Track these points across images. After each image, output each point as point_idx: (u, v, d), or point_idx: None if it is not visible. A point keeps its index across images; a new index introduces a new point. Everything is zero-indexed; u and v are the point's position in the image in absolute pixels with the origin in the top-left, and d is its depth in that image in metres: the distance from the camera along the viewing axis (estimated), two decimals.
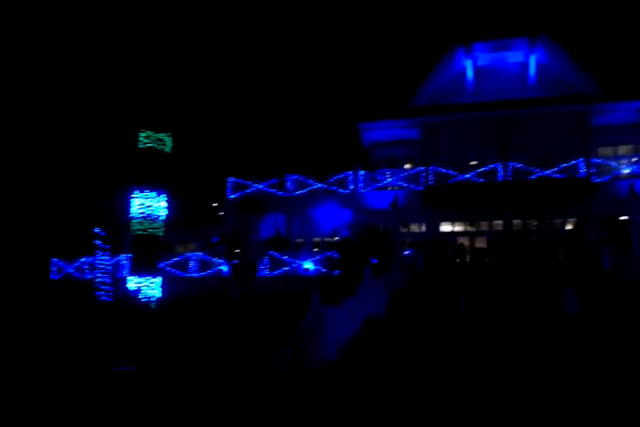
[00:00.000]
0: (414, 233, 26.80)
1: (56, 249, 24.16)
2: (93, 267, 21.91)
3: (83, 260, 24.12)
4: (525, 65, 26.45)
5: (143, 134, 20.32)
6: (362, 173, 27.00)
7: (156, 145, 20.44)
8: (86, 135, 27.37)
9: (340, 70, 28.74)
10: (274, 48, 28.32)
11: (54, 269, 24.50)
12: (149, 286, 20.20)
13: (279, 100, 28.21)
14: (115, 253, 22.29)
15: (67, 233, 24.86)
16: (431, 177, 25.68)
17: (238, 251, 24.50)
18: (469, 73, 26.90)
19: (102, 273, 20.08)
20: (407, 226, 26.91)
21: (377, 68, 29.12)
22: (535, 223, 25.47)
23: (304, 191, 26.49)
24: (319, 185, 26.69)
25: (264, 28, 27.90)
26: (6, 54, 26.36)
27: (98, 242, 21.08)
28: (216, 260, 24.02)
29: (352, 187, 27.13)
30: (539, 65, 26.25)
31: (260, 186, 26.95)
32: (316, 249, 26.88)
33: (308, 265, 25.20)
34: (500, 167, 24.95)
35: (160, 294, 20.78)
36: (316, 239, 27.48)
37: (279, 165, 27.45)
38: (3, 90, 26.36)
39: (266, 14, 28.11)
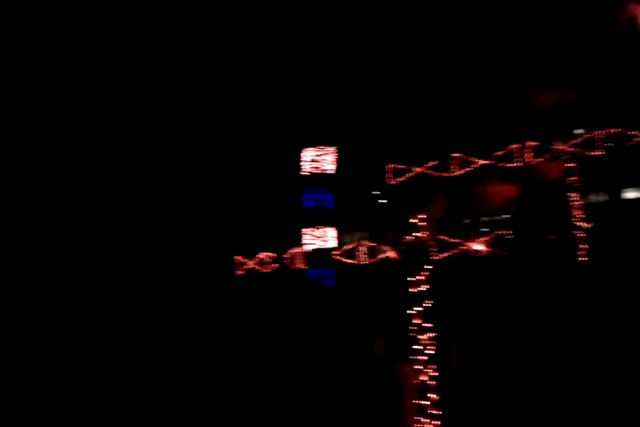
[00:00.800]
0: (592, 203, 24.60)
1: (238, 247, 26.11)
2: (272, 261, 23.42)
3: (262, 255, 25.84)
4: None
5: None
6: (529, 144, 25.43)
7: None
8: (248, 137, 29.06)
9: (502, 37, 26.94)
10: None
11: (238, 265, 26.56)
12: (325, 277, 21.05)
13: (435, 75, 27.32)
14: (291, 245, 23.61)
15: (245, 231, 26.71)
16: (607, 139, 23.38)
17: (409, 236, 24.53)
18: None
19: (281, 266, 21.26)
20: (585, 197, 24.77)
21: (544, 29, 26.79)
22: None
23: (467, 170, 25.68)
24: (483, 162, 25.70)
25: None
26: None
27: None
28: (383, 247, 24.32)
29: (519, 160, 25.67)
30: None
31: (421, 169, 26.66)
32: (485, 229, 25.90)
33: (478, 246, 24.40)
34: None
35: (335, 283, 21.58)
36: (485, 219, 26.47)
37: (438, 145, 26.82)
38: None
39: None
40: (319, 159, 23.76)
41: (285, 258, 23.46)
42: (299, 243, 23.34)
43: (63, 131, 26.65)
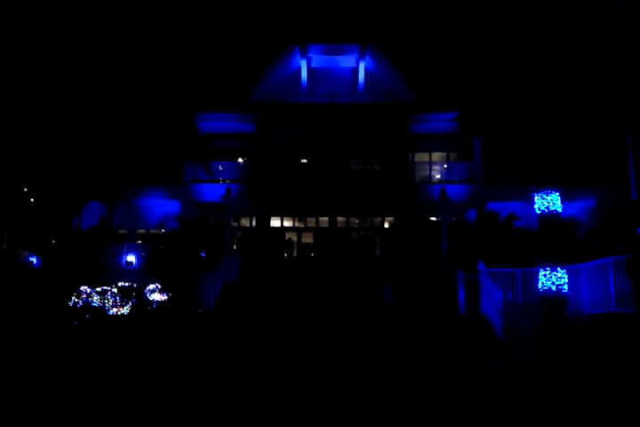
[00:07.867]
0: (245, 227, 26.71)
1: None
2: None
3: None
4: (356, 71, 27.74)
5: None
6: (193, 164, 26.36)
7: None
8: None
9: (176, 61, 27.66)
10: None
11: None
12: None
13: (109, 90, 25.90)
14: None
15: None
16: (261, 172, 25.86)
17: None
18: (304, 74, 27.53)
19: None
20: (238, 220, 26.74)
21: (216, 61, 28.50)
22: (357, 221, 26.90)
23: (129, 179, 24.95)
24: (146, 174, 25.47)
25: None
26: None
27: None
28: None
29: (182, 178, 26.36)
30: (367, 72, 27.72)
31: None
32: (139, 241, 25.54)
33: (132, 258, 23.96)
34: (329, 166, 26.04)
35: None
36: (141, 231, 26.13)
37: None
38: None
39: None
40: None
41: None
42: None
43: None
